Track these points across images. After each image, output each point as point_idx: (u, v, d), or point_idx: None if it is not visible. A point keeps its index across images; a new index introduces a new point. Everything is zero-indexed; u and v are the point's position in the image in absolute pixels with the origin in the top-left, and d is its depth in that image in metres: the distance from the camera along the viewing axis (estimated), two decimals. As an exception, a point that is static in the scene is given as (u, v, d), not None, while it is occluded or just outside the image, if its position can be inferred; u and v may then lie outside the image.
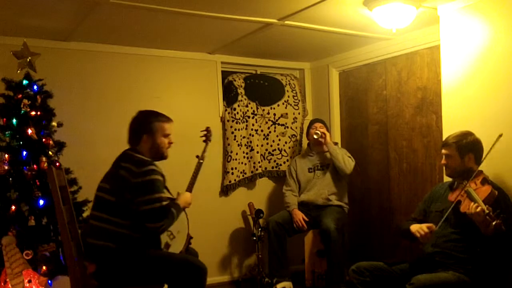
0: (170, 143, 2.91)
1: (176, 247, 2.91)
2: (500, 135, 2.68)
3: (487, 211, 2.41)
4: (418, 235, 2.78)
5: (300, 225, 4.10)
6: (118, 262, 2.65)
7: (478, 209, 2.45)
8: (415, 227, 2.82)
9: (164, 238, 2.81)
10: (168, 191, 3.00)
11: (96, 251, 2.69)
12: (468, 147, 2.79)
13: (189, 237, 3.04)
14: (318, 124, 4.35)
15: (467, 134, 2.83)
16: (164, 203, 2.67)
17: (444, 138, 3.01)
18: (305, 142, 5.08)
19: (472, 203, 2.51)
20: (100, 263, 2.69)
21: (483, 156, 2.75)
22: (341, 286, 3.86)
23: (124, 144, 2.91)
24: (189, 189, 3.16)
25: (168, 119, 2.91)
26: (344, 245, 4.15)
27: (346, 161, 4.14)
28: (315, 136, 4.22)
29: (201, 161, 3.30)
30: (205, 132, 3.54)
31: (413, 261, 2.93)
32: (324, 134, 4.22)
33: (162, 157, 2.89)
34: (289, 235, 4.15)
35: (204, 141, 3.51)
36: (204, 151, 3.40)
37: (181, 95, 4.53)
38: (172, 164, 4.18)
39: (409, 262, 2.94)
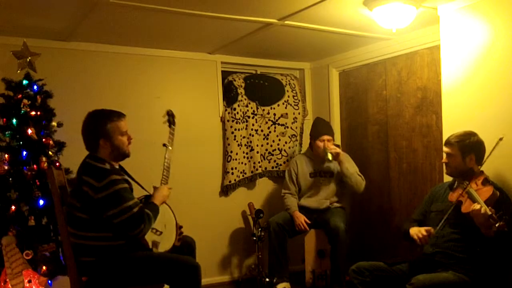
0: (129, 139, 2.79)
1: (167, 241, 2.87)
2: (501, 138, 2.65)
3: (489, 213, 2.40)
4: (416, 238, 2.79)
5: (302, 228, 4.09)
6: (106, 272, 2.64)
7: (482, 210, 2.44)
8: (413, 230, 2.84)
9: (149, 237, 2.76)
10: (143, 188, 2.95)
11: (81, 267, 2.67)
12: (471, 147, 2.78)
13: (179, 227, 2.97)
14: (326, 137, 4.13)
15: (470, 135, 2.82)
16: (135, 209, 2.59)
17: (444, 138, 3.00)
18: (305, 142, 5.08)
19: (474, 204, 2.51)
20: (88, 276, 2.69)
21: (484, 158, 2.74)
22: (343, 286, 3.86)
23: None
24: (165, 181, 3.02)
25: (120, 116, 2.77)
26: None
27: (358, 182, 4.07)
28: (329, 158, 4.00)
29: (170, 148, 3.06)
30: (166, 117, 3.18)
31: (413, 261, 2.93)
32: (338, 153, 4.03)
33: (125, 156, 2.79)
34: (289, 236, 4.15)
35: (169, 126, 3.16)
36: (170, 137, 3.13)
37: (181, 95, 4.53)
38: (173, 163, 4.20)
39: (409, 262, 2.94)
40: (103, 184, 2.56)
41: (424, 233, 2.76)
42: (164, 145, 3.07)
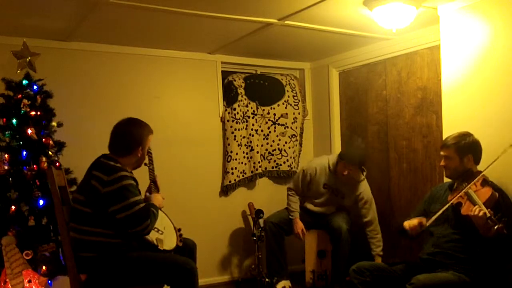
0: None
1: (170, 241, 2.89)
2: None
3: (488, 215, 2.40)
4: (407, 227, 2.81)
5: (300, 237, 4.09)
6: (105, 269, 2.65)
7: (481, 213, 2.44)
8: (407, 222, 2.86)
9: (153, 235, 2.79)
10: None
11: (81, 263, 2.68)
12: (467, 148, 2.79)
13: (178, 230, 3.00)
14: (353, 167, 3.92)
15: (465, 135, 2.82)
16: (141, 205, 2.63)
17: (444, 138, 3.01)
18: (305, 142, 5.09)
19: (474, 206, 2.51)
20: (88, 273, 2.70)
21: (491, 161, 2.68)
22: (344, 286, 3.86)
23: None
24: (157, 191, 3.07)
25: (152, 130, 2.92)
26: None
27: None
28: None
29: (151, 167, 3.08)
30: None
31: (413, 261, 2.93)
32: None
33: (139, 167, 2.92)
34: (287, 234, 4.16)
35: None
36: (150, 160, 3.09)
37: (181, 95, 4.53)
38: (173, 163, 4.21)
39: (409, 262, 2.94)
40: (112, 178, 2.61)
41: (416, 223, 2.79)
42: (145, 164, 3.06)
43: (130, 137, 2.81)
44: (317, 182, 4.14)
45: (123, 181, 2.62)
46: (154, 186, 3.06)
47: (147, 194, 3.04)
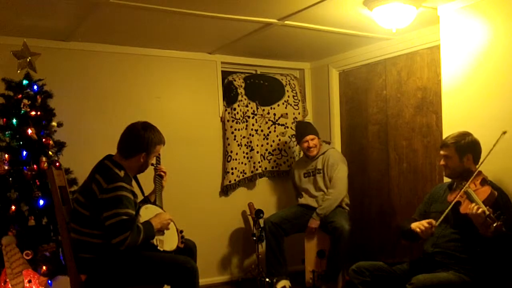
0: None
1: (171, 242, 2.89)
2: (504, 132, 2.66)
3: (487, 213, 2.40)
4: (418, 230, 2.76)
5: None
6: (105, 270, 2.66)
7: (479, 210, 2.44)
8: (415, 224, 2.82)
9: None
10: (148, 199, 3.04)
11: (81, 263, 2.69)
12: (467, 147, 2.79)
13: (180, 231, 3.00)
14: (309, 137, 4.21)
15: (465, 135, 2.83)
16: (125, 217, 2.56)
17: (443, 138, 3.01)
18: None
19: (472, 204, 2.51)
20: (88, 273, 2.70)
21: (486, 154, 2.71)
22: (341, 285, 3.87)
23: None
24: (159, 201, 3.06)
25: (164, 142, 2.92)
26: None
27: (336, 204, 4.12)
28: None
29: (159, 166, 3.10)
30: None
31: (413, 261, 2.93)
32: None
33: (143, 172, 2.91)
34: (286, 234, 4.16)
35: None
36: (158, 160, 3.11)
37: (181, 95, 4.53)
38: (173, 163, 4.20)
39: (409, 262, 2.94)
40: (110, 187, 2.61)
41: (426, 225, 2.73)
42: (152, 164, 3.05)
43: (137, 140, 2.78)
44: (299, 177, 4.36)
45: (118, 191, 2.61)
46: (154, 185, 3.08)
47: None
